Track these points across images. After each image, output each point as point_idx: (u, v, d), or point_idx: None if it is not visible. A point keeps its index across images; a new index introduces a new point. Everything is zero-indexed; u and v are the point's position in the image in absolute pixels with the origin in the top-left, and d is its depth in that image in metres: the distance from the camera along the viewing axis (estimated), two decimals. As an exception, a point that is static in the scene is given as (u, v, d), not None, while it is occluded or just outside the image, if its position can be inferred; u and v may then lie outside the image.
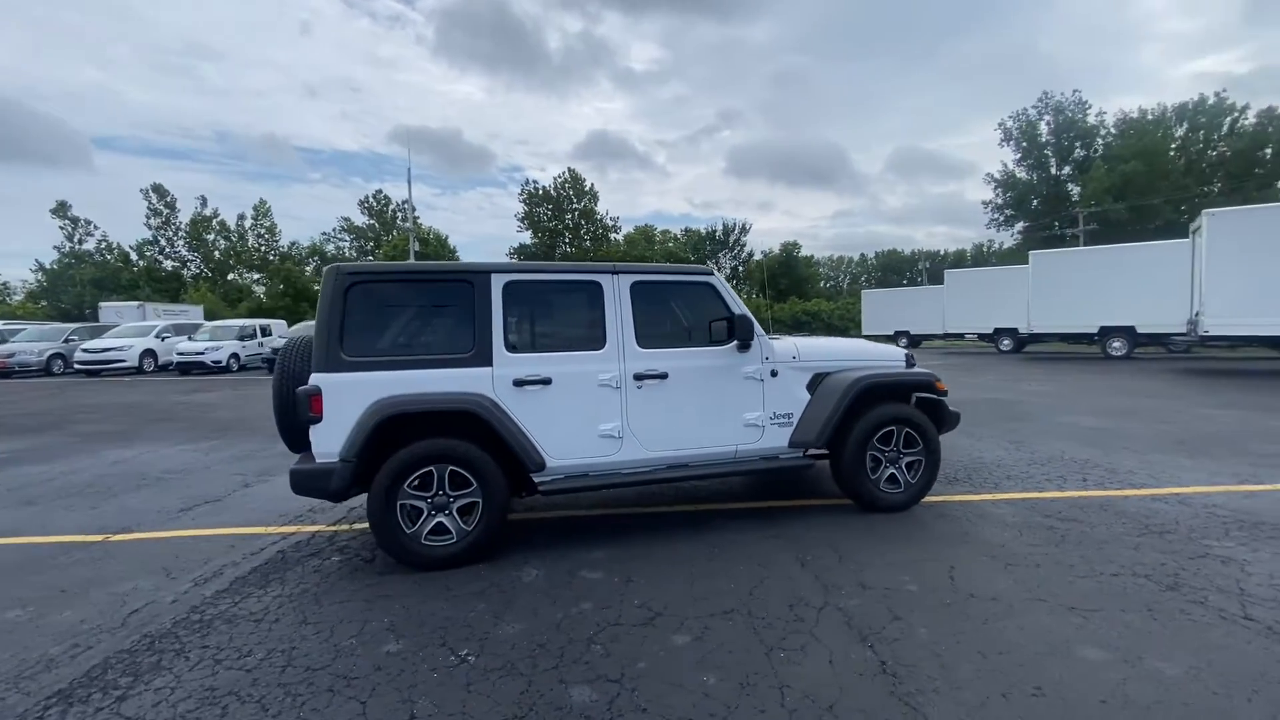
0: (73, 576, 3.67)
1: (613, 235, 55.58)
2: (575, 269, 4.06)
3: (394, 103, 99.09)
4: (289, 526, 4.48)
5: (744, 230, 54.04)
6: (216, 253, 49.57)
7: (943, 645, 2.59)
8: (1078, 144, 47.94)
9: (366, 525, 4.37)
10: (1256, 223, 12.36)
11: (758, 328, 4.11)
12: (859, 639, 2.67)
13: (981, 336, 25.08)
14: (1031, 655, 2.50)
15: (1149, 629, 2.68)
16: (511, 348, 3.75)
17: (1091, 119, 46.89)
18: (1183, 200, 41.66)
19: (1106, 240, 33.55)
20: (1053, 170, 49.07)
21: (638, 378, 3.90)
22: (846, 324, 41.21)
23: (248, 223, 50.78)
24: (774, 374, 4.21)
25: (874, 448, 4.26)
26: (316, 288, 52.20)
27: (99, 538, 4.35)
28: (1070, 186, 48.44)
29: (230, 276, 49.68)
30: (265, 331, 22.02)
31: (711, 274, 4.24)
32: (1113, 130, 46.73)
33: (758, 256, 53.70)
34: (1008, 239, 53.61)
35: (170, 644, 2.83)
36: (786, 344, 4.37)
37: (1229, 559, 3.40)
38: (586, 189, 55.49)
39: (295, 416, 3.89)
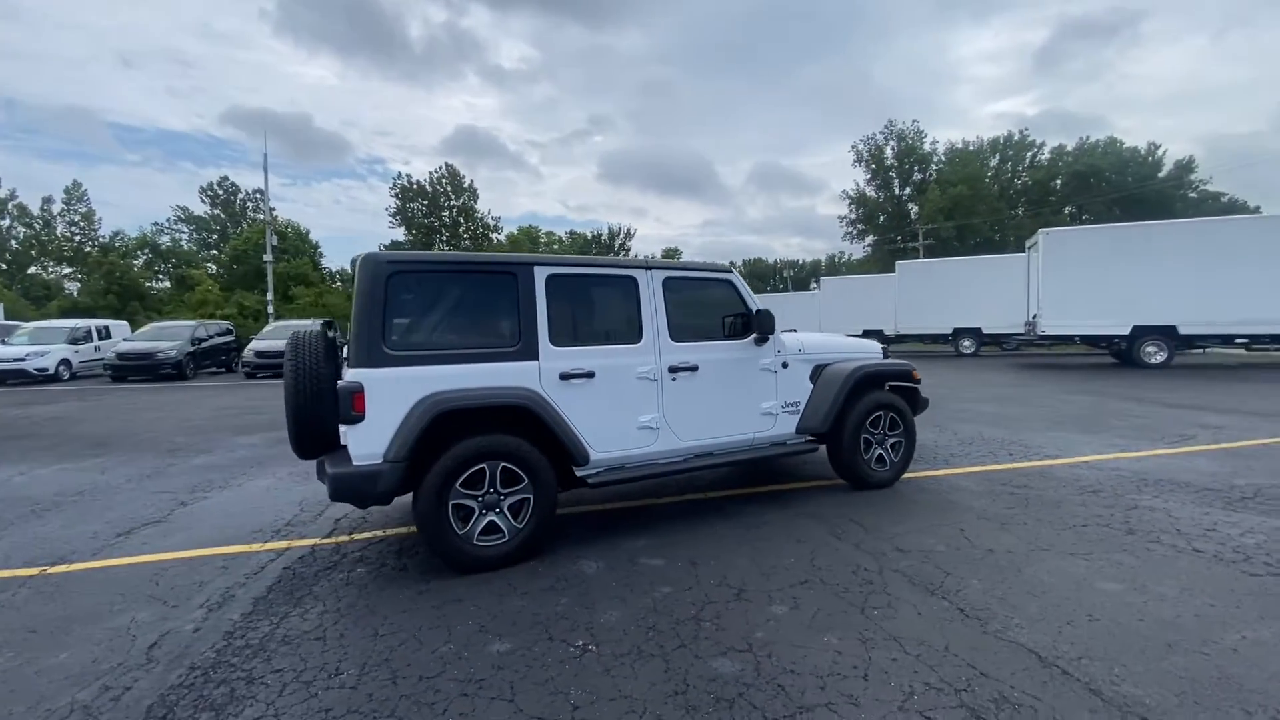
0: (33, 615, 3.09)
1: (494, 235, 54.15)
2: (613, 263, 4.10)
3: (232, 81, 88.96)
4: (277, 542, 4.06)
5: (628, 235, 55.06)
6: (14, 242, 41.56)
7: (998, 591, 3.02)
8: (916, 168, 54.30)
9: (366, 534, 4.13)
10: (1082, 241, 15.10)
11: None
12: (928, 593, 3.03)
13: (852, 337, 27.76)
14: (1068, 592, 2.99)
15: (1134, 564, 3.30)
16: (556, 341, 3.72)
17: (927, 146, 53.35)
18: (997, 220, 48.74)
19: (941, 253, 38.57)
20: (896, 190, 55.19)
21: (671, 370, 4.03)
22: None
23: (56, 208, 43.17)
24: (785, 366, 4.53)
25: (866, 431, 4.72)
26: (149, 284, 45.55)
27: (33, 571, 3.67)
28: (911, 205, 54.63)
29: (33, 270, 41.89)
30: (104, 333, 18.91)
31: (731, 271, 4.47)
32: (943, 158, 53.47)
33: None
34: (859, 251, 59.54)
35: (231, 673, 2.52)
36: (791, 338, 4.71)
37: (1154, 508, 4.22)
38: (465, 185, 53.61)
39: (316, 417, 3.58)
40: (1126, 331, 14.25)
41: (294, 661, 2.59)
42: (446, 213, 53.18)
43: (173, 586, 3.40)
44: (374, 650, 2.67)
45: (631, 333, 4.00)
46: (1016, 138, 51.56)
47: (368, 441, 3.27)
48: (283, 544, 4.03)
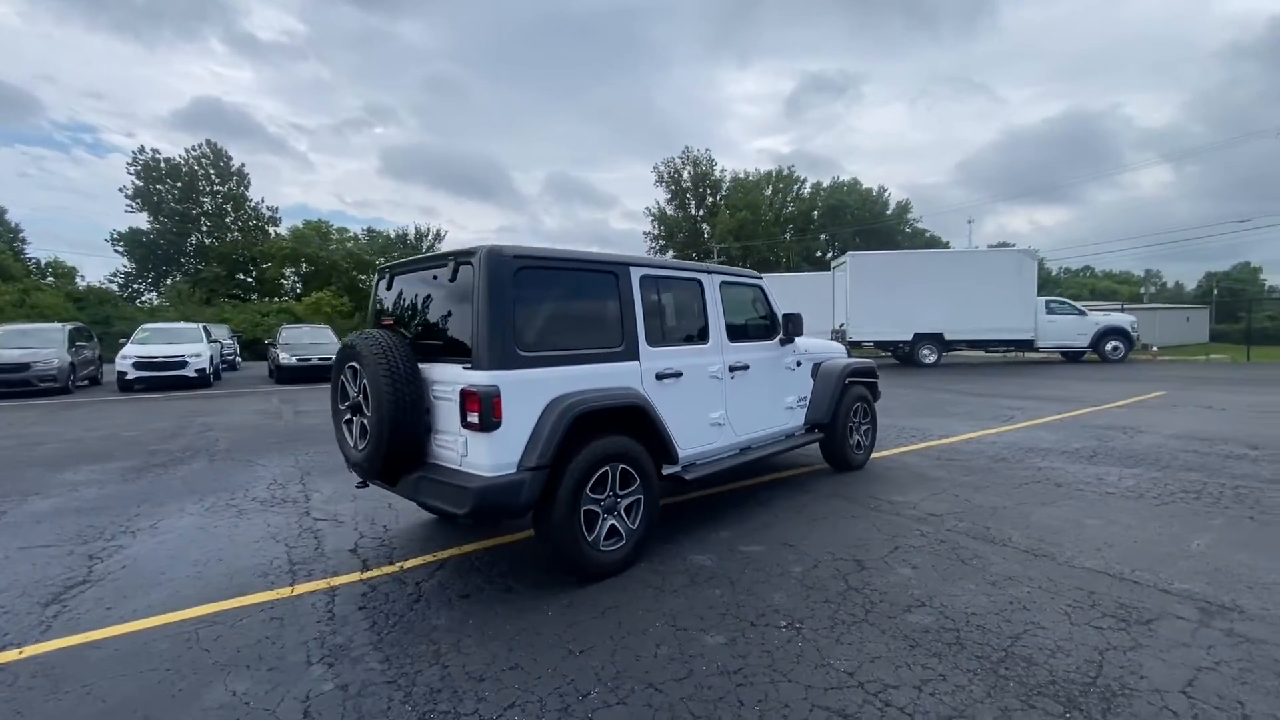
0: (71, 711, 2.28)
1: (272, 228, 47.26)
2: (683, 266, 4.20)
3: None
4: (311, 583, 3.40)
5: (438, 237, 52.06)
6: None
7: (1034, 536, 3.83)
8: (708, 192, 60.17)
9: (417, 559, 3.73)
10: (879, 263, 18.45)
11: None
12: (991, 543, 3.73)
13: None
14: (1072, 530, 3.92)
15: (1087, 507, 4.40)
16: (651, 342, 3.74)
17: (718, 173, 59.43)
18: (772, 243, 56.21)
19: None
20: (692, 211, 60.58)
21: (731, 370, 4.28)
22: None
23: None
24: (799, 364, 5.04)
25: (850, 420, 5.45)
26: None
27: (10, 656, 2.63)
28: (704, 226, 60.24)
29: None
30: None
31: (761, 277, 4.85)
32: (729, 185, 60.01)
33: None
34: (662, 264, 63.85)
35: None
36: (798, 340, 5.24)
37: (1053, 467, 5.58)
38: (233, 168, 46.03)
39: (413, 430, 3.16)
40: (909, 338, 17.76)
41: (518, 695, 2.34)
42: (208, 199, 45.05)
43: (236, 648, 2.72)
44: (592, 666, 2.51)
45: (702, 333, 4.16)
46: (785, 172, 59.93)
47: (502, 450, 2.99)
48: (320, 583, 3.40)
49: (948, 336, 17.83)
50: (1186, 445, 6.39)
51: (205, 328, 17.36)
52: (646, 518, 3.54)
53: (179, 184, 43.28)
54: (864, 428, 5.65)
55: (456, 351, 3.23)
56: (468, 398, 2.96)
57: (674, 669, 2.48)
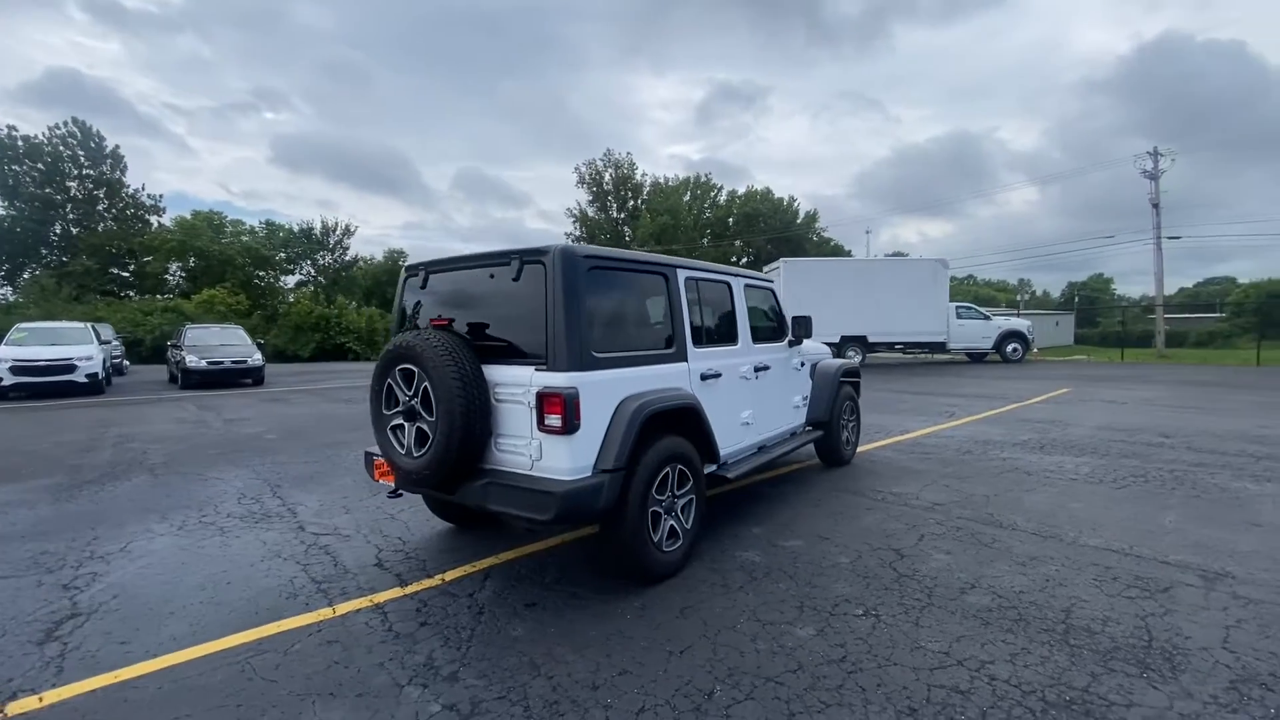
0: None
1: (154, 218, 42.79)
2: (716, 268, 4.25)
3: None
4: (352, 601, 3.17)
5: (347, 232, 49.11)
6: None
7: (1033, 519, 4.21)
8: (630, 195, 60.68)
9: (457, 570, 3.59)
10: (812, 269, 19.49)
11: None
12: (1000, 527, 4.06)
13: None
14: (1062, 513, 4.34)
15: (1063, 492, 4.88)
16: (695, 343, 3.78)
17: (639, 176, 60.07)
18: (692, 247, 57.54)
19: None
20: (614, 213, 60.87)
21: (756, 370, 4.39)
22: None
23: None
24: (802, 364, 5.24)
25: (841, 417, 5.73)
26: None
27: (29, 704, 2.26)
28: (625, 229, 60.69)
29: None
30: None
31: (773, 281, 5.00)
32: (650, 189, 60.83)
33: (361, 263, 49.55)
34: (583, 266, 63.69)
35: (592, 728, 2.16)
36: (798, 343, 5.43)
37: (1014, 458, 6.12)
38: (106, 151, 41.31)
39: (482, 435, 3.03)
40: (837, 340, 18.78)
41: (643, 699, 2.32)
42: (75, 184, 40.16)
43: (305, 676, 2.50)
44: (699, 665, 2.53)
45: (732, 335, 4.25)
46: (703, 179, 61.53)
47: (581, 453, 2.94)
48: (360, 601, 3.17)
49: (871, 339, 19.04)
50: (1113, 436, 7.21)
51: (93, 328, 15.46)
52: (698, 517, 3.58)
53: (39, 165, 38.22)
54: (851, 424, 5.96)
55: (519, 353, 3.13)
56: (547, 400, 2.88)
57: (782, 662, 2.54)
